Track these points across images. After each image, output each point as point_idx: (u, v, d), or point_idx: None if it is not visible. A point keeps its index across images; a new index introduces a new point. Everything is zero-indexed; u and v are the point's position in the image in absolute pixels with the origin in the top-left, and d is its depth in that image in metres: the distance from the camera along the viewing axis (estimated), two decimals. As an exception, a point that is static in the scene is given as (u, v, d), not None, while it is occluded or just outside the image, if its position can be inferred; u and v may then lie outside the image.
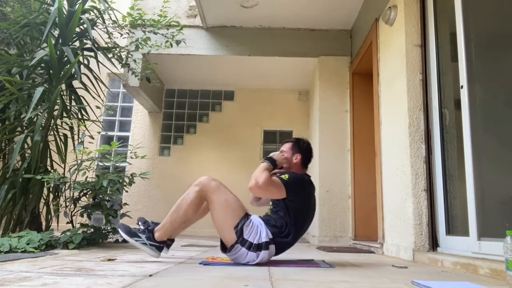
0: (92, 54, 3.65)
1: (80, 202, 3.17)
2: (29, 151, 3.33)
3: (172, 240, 2.26)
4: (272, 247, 2.03)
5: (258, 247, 1.99)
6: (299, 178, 2.13)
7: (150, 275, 1.52)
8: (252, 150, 5.99)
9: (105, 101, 5.72)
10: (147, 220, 2.16)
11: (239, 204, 2.06)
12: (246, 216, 2.04)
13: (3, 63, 3.34)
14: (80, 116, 3.63)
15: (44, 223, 3.29)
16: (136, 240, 1.98)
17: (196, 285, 1.35)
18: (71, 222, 3.12)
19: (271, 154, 2.17)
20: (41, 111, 3.25)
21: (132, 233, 2.00)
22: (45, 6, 3.63)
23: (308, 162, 2.30)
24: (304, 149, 2.27)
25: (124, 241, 3.35)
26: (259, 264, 2.00)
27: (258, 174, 1.99)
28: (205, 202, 2.08)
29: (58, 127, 3.53)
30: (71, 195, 3.13)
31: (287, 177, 2.08)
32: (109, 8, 3.71)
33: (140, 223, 2.13)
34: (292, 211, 2.07)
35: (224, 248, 2.07)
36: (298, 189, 2.09)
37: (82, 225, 3.03)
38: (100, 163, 3.40)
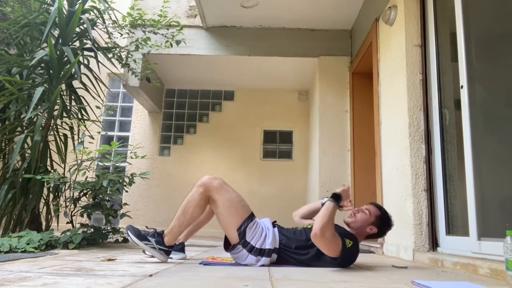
0: (92, 54, 3.65)
1: (80, 202, 3.17)
2: (29, 151, 3.33)
3: (182, 244, 2.27)
4: (275, 256, 2.01)
5: (260, 252, 1.97)
6: (356, 252, 1.96)
7: (150, 275, 1.52)
8: (252, 150, 5.99)
9: (105, 101, 5.72)
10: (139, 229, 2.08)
11: (243, 204, 2.03)
12: (251, 217, 2.01)
13: (3, 63, 3.34)
14: (80, 116, 3.63)
15: (44, 223, 3.29)
16: (146, 244, 1.97)
17: (196, 285, 1.34)
18: (71, 222, 3.12)
19: (338, 191, 1.96)
20: (41, 111, 3.25)
21: (142, 236, 1.98)
22: (45, 6, 3.63)
23: (372, 238, 2.14)
24: (383, 229, 2.09)
25: (125, 241, 3.37)
26: (259, 264, 2.00)
27: (325, 222, 1.77)
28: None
29: (58, 127, 3.53)
30: (71, 195, 3.13)
31: (350, 244, 1.88)
32: (109, 8, 3.71)
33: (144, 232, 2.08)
34: (323, 259, 1.93)
35: (227, 245, 2.06)
36: (347, 261, 1.93)
37: (82, 225, 3.03)
38: (100, 163, 3.39)
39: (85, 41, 3.65)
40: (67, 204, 3.14)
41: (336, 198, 1.90)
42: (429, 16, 2.83)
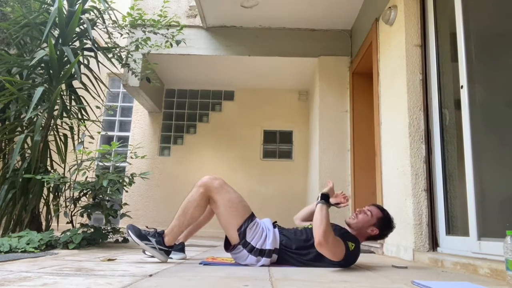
0: (92, 54, 3.65)
1: (80, 202, 3.17)
2: (29, 151, 3.33)
3: (182, 244, 2.27)
4: (275, 256, 2.00)
5: (260, 253, 1.96)
6: (358, 254, 1.97)
7: (150, 275, 1.52)
8: (252, 150, 5.99)
9: (105, 101, 5.72)
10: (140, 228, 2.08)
11: (244, 204, 2.03)
12: (251, 217, 2.01)
13: (3, 63, 3.34)
14: (80, 116, 3.63)
15: (44, 223, 3.29)
16: (146, 244, 1.97)
17: (196, 285, 1.34)
18: (71, 222, 3.12)
19: (325, 190, 2.02)
20: (41, 111, 3.25)
21: (142, 236, 1.98)
22: (45, 6, 3.63)
23: (373, 239, 2.14)
24: (384, 231, 2.07)
25: (125, 241, 3.37)
26: (259, 264, 2.00)
27: (324, 227, 1.76)
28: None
29: (58, 127, 3.53)
30: (71, 195, 3.13)
31: (353, 247, 1.89)
32: (109, 8, 3.70)
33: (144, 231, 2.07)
34: (323, 260, 1.91)
35: (227, 246, 2.06)
36: (349, 262, 1.93)
37: (82, 225, 3.03)
38: (100, 163, 3.40)
39: (85, 41, 3.64)
40: (67, 204, 3.14)
41: (324, 197, 1.92)
42: (429, 16, 2.83)
